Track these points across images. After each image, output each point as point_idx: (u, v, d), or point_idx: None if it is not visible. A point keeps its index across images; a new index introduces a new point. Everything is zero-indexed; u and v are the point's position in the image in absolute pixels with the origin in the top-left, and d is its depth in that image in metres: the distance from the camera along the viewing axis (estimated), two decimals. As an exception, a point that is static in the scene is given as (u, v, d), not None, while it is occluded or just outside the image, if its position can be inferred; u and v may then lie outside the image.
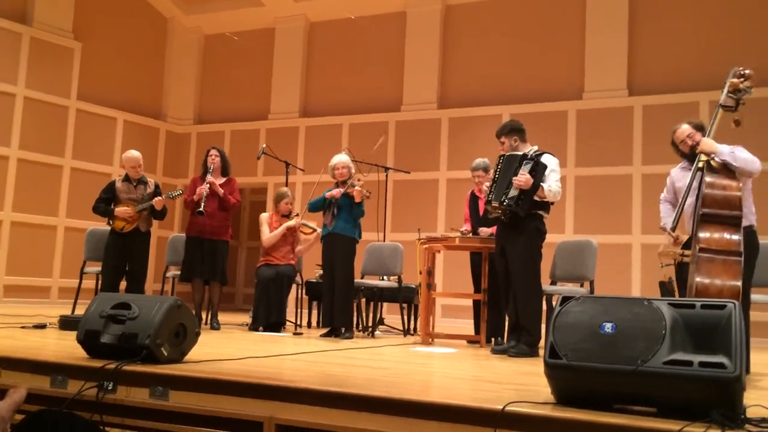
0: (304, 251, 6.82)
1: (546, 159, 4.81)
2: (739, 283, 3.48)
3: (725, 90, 3.98)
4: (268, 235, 6.56)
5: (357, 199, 5.84)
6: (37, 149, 9.82)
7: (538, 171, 4.70)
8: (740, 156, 3.86)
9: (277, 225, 6.61)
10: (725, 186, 3.73)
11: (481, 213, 5.98)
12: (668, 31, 9.03)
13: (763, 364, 4.70)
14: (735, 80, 3.96)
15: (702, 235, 3.66)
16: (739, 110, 3.97)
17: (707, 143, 3.93)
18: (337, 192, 5.91)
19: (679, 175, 4.37)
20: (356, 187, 5.82)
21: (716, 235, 3.65)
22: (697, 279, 3.49)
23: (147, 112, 11.53)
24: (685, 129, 4.26)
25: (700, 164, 3.94)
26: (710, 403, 2.14)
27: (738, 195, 3.70)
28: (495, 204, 4.79)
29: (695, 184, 3.98)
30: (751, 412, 2.19)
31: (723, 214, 3.69)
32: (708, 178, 3.75)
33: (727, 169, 3.83)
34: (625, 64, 9.15)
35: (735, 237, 3.64)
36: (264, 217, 6.79)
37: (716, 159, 3.89)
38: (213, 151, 6.48)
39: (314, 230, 6.77)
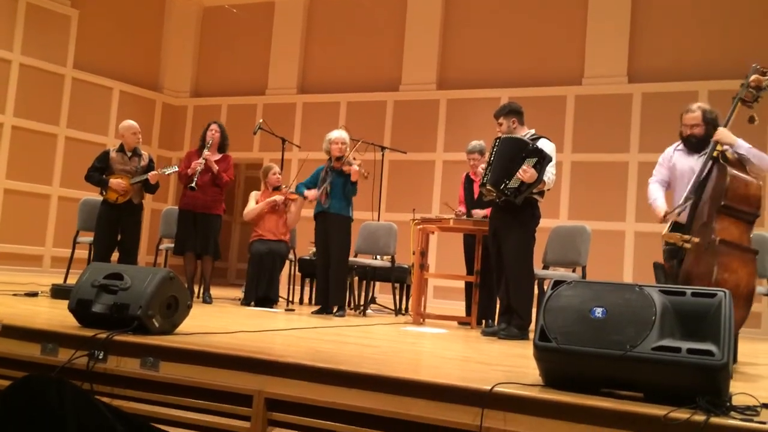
0: (294, 220, 6.73)
1: (543, 144, 4.79)
2: (755, 282, 3.54)
3: (746, 84, 3.91)
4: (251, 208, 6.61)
5: (353, 178, 5.76)
6: (32, 117, 9.74)
7: (543, 165, 4.65)
8: (756, 152, 3.82)
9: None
10: (748, 183, 3.71)
11: (475, 196, 5.98)
12: (670, 19, 8.98)
13: (750, 354, 4.74)
14: (760, 77, 3.89)
15: (719, 226, 3.63)
16: (755, 107, 3.92)
17: (726, 134, 3.85)
18: (313, 194, 5.84)
19: (681, 158, 4.18)
20: (354, 166, 5.73)
21: (734, 230, 3.64)
22: (716, 270, 3.49)
23: (143, 83, 11.43)
24: (695, 116, 4.09)
25: (715, 153, 3.85)
26: (697, 389, 2.16)
27: (759, 195, 3.69)
28: (489, 187, 4.78)
29: (700, 168, 3.93)
30: (737, 400, 2.21)
31: (743, 209, 3.67)
32: (732, 171, 3.70)
33: (740, 164, 3.80)
34: (625, 50, 9.11)
35: (750, 235, 3.68)
36: (254, 193, 6.79)
37: (731, 151, 3.84)
38: (214, 126, 6.42)
39: (300, 195, 6.66)
